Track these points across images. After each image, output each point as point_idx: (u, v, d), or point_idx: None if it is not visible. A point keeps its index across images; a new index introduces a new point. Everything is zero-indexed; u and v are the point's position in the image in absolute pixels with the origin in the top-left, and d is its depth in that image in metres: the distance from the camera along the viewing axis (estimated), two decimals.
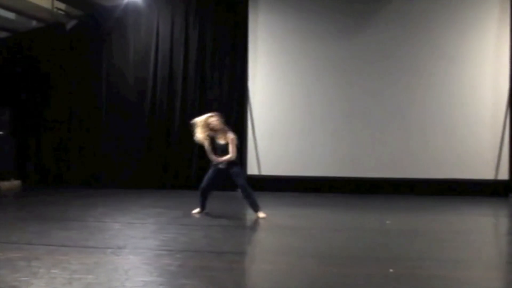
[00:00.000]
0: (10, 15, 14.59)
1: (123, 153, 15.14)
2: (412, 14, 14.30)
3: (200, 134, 10.11)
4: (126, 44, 15.42)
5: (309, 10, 14.65)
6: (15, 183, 14.36)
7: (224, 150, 10.09)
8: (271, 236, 8.91)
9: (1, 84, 15.27)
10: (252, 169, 14.62)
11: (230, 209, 11.63)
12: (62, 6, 14.82)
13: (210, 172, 10.33)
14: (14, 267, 6.03)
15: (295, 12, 14.70)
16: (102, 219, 9.70)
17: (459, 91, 14.06)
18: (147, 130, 15.11)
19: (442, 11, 14.17)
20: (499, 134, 13.85)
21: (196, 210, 10.45)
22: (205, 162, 14.66)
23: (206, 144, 10.11)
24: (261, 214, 10.00)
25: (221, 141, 10.15)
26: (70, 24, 15.66)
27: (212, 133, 10.15)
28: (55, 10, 14.61)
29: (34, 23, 15.45)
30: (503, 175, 13.85)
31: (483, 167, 13.90)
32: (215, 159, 10.12)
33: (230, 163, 10.11)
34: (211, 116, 10.21)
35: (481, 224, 10.50)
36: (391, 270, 6.09)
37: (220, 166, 10.13)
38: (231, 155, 10.04)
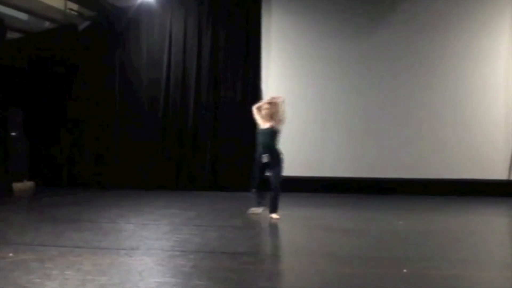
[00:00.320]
0: (22, 16, 14.62)
1: (137, 154, 15.15)
2: (424, 14, 14.26)
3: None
4: (139, 45, 15.42)
5: (322, 11, 14.63)
6: (28, 184, 14.40)
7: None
8: (284, 237, 8.92)
9: (14, 85, 15.32)
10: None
11: (243, 210, 11.62)
12: (75, 6, 14.85)
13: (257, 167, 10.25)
14: (27, 269, 6.07)
15: (308, 12, 14.68)
16: (116, 220, 9.72)
17: (471, 90, 14.01)
18: (161, 132, 15.10)
19: (454, 11, 14.13)
20: None
21: (258, 209, 10.35)
22: (217, 162, 14.87)
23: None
24: (274, 216, 9.95)
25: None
26: (83, 24, 15.70)
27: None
28: (68, 10, 14.65)
29: (47, 24, 15.48)
30: None
31: (496, 167, 13.84)
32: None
33: (273, 158, 9.97)
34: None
35: (494, 224, 10.47)
36: (404, 271, 6.09)
37: (264, 160, 10.02)
38: None
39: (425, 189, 14.02)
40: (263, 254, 7.75)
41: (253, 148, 14.44)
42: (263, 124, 10.03)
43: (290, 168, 14.45)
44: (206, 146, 14.85)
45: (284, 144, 14.49)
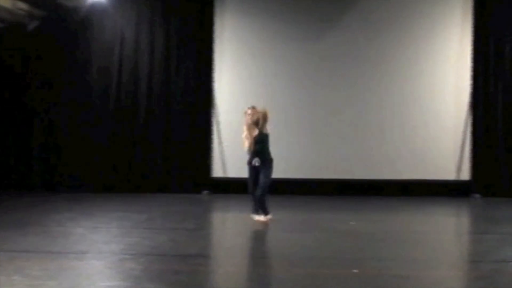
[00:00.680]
0: None
1: (88, 156, 14.92)
2: (376, 16, 14.38)
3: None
4: (89, 45, 15.20)
5: (275, 12, 14.64)
6: None
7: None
8: (235, 239, 8.91)
9: None
10: (217, 171, 14.58)
11: (195, 212, 11.60)
12: (24, 6, 14.59)
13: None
14: None
15: (261, 13, 14.67)
16: (66, 224, 9.56)
17: (420, 93, 14.18)
18: (112, 133, 14.92)
19: (405, 14, 14.31)
20: (461, 136, 14.04)
21: (262, 217, 9.82)
22: (169, 164, 14.78)
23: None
24: (256, 217, 9.71)
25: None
26: (33, 24, 15.42)
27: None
28: (16, 10, 14.39)
29: None
30: (465, 176, 14.04)
31: (445, 168, 14.06)
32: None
33: (264, 162, 9.85)
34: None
35: (443, 224, 10.66)
36: (355, 271, 6.13)
37: (255, 164, 9.91)
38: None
39: (376, 190, 14.15)
40: (215, 256, 7.74)
41: (206, 148, 14.55)
42: (251, 137, 9.96)
43: (243, 170, 14.53)
44: (158, 148, 14.74)
45: (234, 145, 14.60)
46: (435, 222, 10.69)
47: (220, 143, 14.62)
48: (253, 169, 9.92)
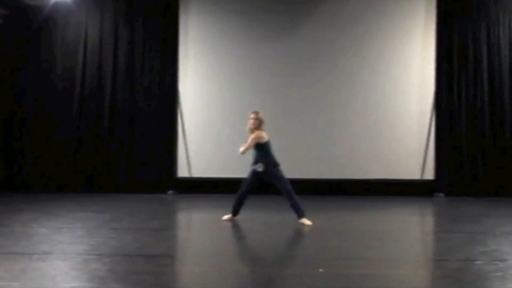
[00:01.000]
0: None
1: (51, 155, 14.77)
2: (342, 16, 14.51)
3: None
4: (53, 44, 15.04)
5: (239, 12, 14.67)
6: None
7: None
8: (201, 239, 8.88)
9: None
10: (182, 171, 14.56)
11: (160, 212, 11.54)
12: None
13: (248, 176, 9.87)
14: None
15: (226, 13, 14.69)
16: (29, 224, 9.45)
17: (384, 92, 14.34)
18: (76, 132, 14.78)
19: (371, 14, 14.44)
20: (425, 136, 14.20)
21: (227, 216, 9.90)
22: (133, 164, 14.68)
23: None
24: (305, 221, 9.51)
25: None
26: None
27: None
28: None
29: None
30: (429, 175, 14.20)
31: (410, 168, 14.22)
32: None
33: (268, 165, 9.75)
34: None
35: (408, 223, 10.73)
36: (320, 270, 6.14)
37: (258, 169, 9.73)
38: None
39: (340, 189, 14.24)
40: (180, 256, 7.71)
41: (171, 148, 14.49)
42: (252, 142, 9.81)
43: (208, 170, 14.55)
44: (122, 148, 14.65)
45: (199, 145, 14.59)
46: (399, 221, 10.77)
47: (185, 143, 14.59)
48: (254, 174, 9.78)
